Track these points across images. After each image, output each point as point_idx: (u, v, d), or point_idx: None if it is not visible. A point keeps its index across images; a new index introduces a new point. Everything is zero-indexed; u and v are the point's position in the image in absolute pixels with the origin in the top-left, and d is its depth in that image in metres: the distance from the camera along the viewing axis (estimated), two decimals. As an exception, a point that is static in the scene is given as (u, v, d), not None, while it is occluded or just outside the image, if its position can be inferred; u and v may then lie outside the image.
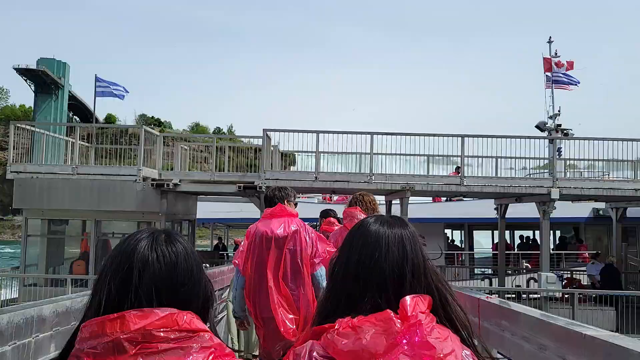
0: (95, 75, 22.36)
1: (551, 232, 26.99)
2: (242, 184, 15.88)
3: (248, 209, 20.27)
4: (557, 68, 26.59)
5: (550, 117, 27.26)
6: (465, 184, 15.99)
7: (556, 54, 27.24)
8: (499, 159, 17.73)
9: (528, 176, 18.46)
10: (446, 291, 1.41)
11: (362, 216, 4.64)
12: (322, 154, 16.95)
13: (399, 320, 1.27)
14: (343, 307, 1.36)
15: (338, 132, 16.35)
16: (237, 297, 4.59)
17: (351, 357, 1.24)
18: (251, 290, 4.43)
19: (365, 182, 16.12)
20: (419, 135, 16.28)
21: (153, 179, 16.13)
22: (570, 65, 26.41)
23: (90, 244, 16.64)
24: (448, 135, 16.22)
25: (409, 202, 16.91)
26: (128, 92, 21.98)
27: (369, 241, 1.41)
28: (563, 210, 19.63)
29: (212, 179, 16.76)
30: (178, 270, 1.32)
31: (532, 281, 20.03)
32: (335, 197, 19.47)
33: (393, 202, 19.74)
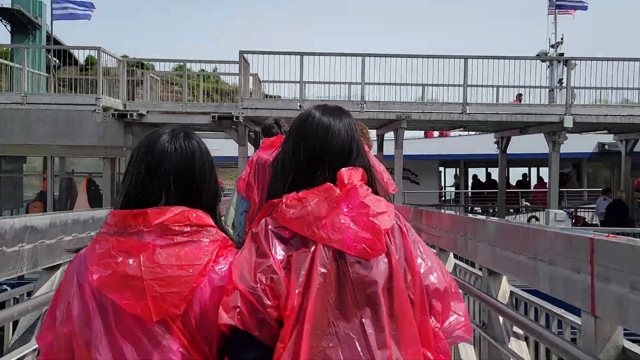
0: (51, -5, 19.71)
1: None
2: (216, 114, 13.78)
3: (229, 146, 18.31)
4: (562, -10, 24.16)
5: (552, 46, 25.06)
6: (467, 111, 14.03)
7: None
8: (500, 89, 15.78)
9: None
10: (375, 172, 1.55)
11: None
12: (307, 84, 14.85)
13: (337, 189, 1.42)
14: (294, 187, 1.46)
15: (325, 54, 14.16)
16: (241, 222, 4.63)
17: (299, 222, 1.39)
18: (253, 216, 4.35)
19: (356, 111, 14.10)
20: (417, 56, 14.15)
21: (115, 110, 13.97)
22: (577, -12, 23.99)
23: (48, 184, 14.64)
24: (450, 57, 14.12)
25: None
26: (94, 9, 19.17)
27: (319, 130, 1.50)
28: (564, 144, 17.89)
29: (184, 110, 14.65)
30: (194, 162, 1.43)
31: (533, 220, 18.47)
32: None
33: (386, 136, 17.83)
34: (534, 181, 23.61)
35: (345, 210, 1.38)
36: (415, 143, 21.78)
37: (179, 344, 1.31)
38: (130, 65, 14.83)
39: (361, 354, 1.30)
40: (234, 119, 13.72)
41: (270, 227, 1.40)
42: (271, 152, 4.24)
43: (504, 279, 3.61)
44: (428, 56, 14.14)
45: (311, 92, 15.26)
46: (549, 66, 23.87)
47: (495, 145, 18.38)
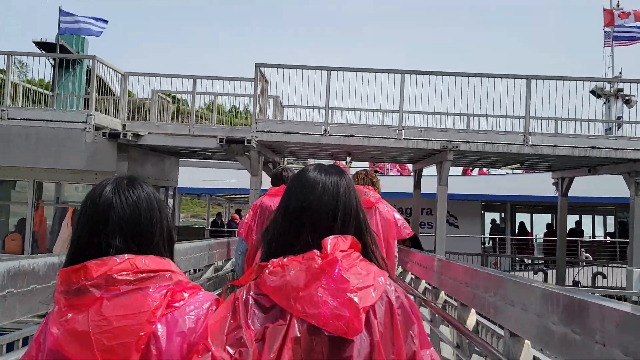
0: (60, 8, 17.88)
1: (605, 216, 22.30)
2: (224, 137, 11.35)
3: (245, 177, 15.90)
4: (620, 19, 21.51)
5: (610, 81, 22.22)
6: (530, 142, 11.28)
7: (618, 4, 22.14)
8: (559, 122, 13.04)
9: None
10: (371, 241, 1.46)
11: (373, 194, 4.50)
12: (333, 105, 12.38)
13: (319, 259, 1.32)
14: (281, 247, 1.40)
15: (355, 70, 11.68)
16: (239, 263, 4.81)
17: (278, 292, 1.31)
18: (250, 257, 4.54)
19: (392, 138, 11.51)
20: (469, 75, 11.55)
21: (111, 129, 11.68)
22: (638, 16, 21.33)
23: (27, 212, 12.30)
24: (510, 77, 11.45)
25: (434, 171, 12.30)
26: (107, 23, 17.28)
27: (306, 186, 1.44)
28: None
29: (191, 132, 12.29)
30: (140, 211, 1.38)
31: (599, 277, 15.37)
32: (348, 162, 14.93)
33: (424, 170, 15.14)
34: (587, 230, 20.50)
35: (324, 283, 1.30)
36: (454, 180, 19.03)
37: None
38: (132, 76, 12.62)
39: None
40: (246, 143, 11.25)
41: (252, 293, 1.34)
42: (275, 199, 4.36)
43: (527, 343, 3.00)
44: (484, 75, 11.51)
45: (339, 115, 12.79)
46: (605, 102, 21.07)
47: (554, 187, 15.49)
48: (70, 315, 1.28)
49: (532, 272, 16.88)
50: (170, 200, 15.73)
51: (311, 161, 23.88)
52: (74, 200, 13.45)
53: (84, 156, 11.74)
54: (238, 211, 22.78)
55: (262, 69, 11.79)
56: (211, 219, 22.52)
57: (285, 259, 1.34)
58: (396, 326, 1.33)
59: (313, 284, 1.29)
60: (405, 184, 18.97)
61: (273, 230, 1.44)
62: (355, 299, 1.27)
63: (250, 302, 1.32)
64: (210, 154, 14.57)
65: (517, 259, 18.26)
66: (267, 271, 1.33)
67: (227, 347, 1.26)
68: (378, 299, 1.32)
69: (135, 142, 11.69)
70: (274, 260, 1.35)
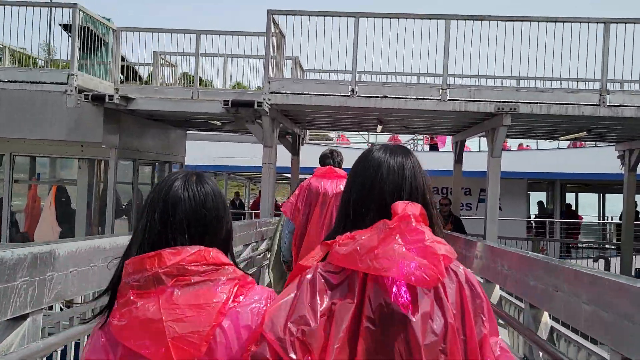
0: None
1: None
2: (229, 101, 9.22)
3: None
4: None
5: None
6: (608, 102, 8.90)
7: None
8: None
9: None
10: (437, 221, 1.42)
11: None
12: (361, 74, 10.16)
13: (390, 222, 1.30)
14: (349, 227, 1.37)
15: (388, 16, 9.39)
16: (286, 242, 4.85)
17: (351, 257, 1.27)
18: (297, 238, 4.63)
19: (435, 99, 9.25)
20: (530, 20, 9.16)
21: (95, 91, 9.65)
22: None
23: (4, 191, 10.43)
24: (582, 20, 9.02)
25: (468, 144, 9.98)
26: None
27: (371, 166, 1.43)
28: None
29: (195, 96, 10.23)
30: (206, 207, 1.39)
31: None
32: (378, 132, 12.57)
33: (468, 141, 12.84)
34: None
35: (398, 239, 1.28)
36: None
37: None
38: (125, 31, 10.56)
39: None
40: (256, 106, 9.11)
41: (319, 270, 1.31)
42: (322, 181, 4.60)
43: (546, 314, 3.18)
44: (546, 19, 9.12)
45: (368, 76, 10.53)
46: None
47: (619, 162, 13.05)
48: (140, 303, 1.27)
49: (590, 259, 14.52)
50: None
51: (332, 134, 21.72)
52: (63, 176, 11.57)
53: (65, 124, 9.78)
54: (237, 194, 20.94)
55: (276, 17, 9.59)
56: (228, 200, 20.62)
57: (352, 233, 1.33)
58: (466, 307, 1.29)
59: (387, 240, 1.27)
60: (440, 160, 16.67)
61: (341, 210, 1.44)
62: (434, 247, 1.25)
63: (318, 279, 1.29)
64: (219, 124, 12.50)
65: (570, 245, 15.87)
66: (336, 245, 1.32)
67: (289, 325, 1.23)
68: (454, 259, 1.30)
69: (125, 107, 9.66)
70: (341, 235, 1.34)
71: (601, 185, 18.24)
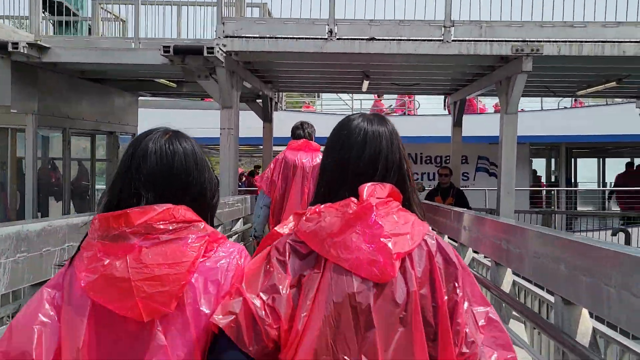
0: None
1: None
2: (170, 47, 7.00)
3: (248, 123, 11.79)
4: None
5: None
6: (657, 39, 6.88)
7: None
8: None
9: None
10: (413, 192, 1.42)
11: None
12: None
13: (355, 205, 1.29)
14: (324, 197, 1.38)
15: None
16: (260, 216, 4.73)
17: (313, 237, 1.29)
18: (275, 212, 4.55)
19: (436, 39, 7.16)
20: None
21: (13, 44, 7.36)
22: None
23: None
24: None
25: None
26: None
27: (347, 136, 1.40)
28: None
29: (136, 46, 8.00)
30: (173, 165, 1.35)
31: None
32: (364, 90, 10.34)
33: (480, 99, 10.79)
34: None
35: (358, 229, 1.28)
36: (490, 120, 14.69)
37: (175, 342, 1.25)
38: None
39: None
40: (206, 54, 6.93)
41: (289, 240, 1.33)
42: (298, 154, 4.61)
43: (509, 271, 3.19)
44: None
45: (351, 9, 8.34)
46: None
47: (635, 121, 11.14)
48: (107, 260, 1.26)
49: (600, 230, 12.73)
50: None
51: (316, 102, 19.54)
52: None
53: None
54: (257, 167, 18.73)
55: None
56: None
57: (322, 206, 1.33)
58: (436, 275, 1.29)
59: (347, 229, 1.27)
60: (434, 125, 14.67)
61: (318, 180, 1.44)
62: (389, 245, 1.26)
63: (287, 248, 1.30)
64: (174, 85, 10.30)
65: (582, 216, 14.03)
66: (304, 218, 1.32)
67: (261, 293, 1.25)
68: (415, 247, 1.29)
69: (39, 58, 7.39)
70: (311, 207, 1.34)
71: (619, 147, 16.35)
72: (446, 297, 1.28)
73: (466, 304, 1.30)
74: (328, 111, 17.14)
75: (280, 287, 1.25)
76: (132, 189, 1.31)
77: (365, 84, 9.53)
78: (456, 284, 1.30)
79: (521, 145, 14.97)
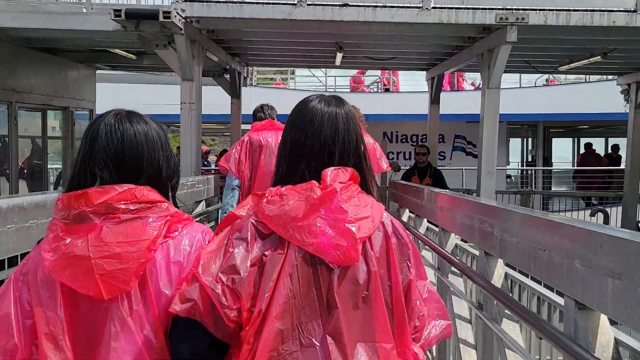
0: None
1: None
2: (122, 11, 6.26)
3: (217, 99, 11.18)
4: None
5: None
6: (649, 8, 6.42)
7: None
8: None
9: None
10: (369, 173, 1.43)
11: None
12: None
13: (319, 190, 1.30)
14: (282, 178, 1.38)
15: None
16: (232, 197, 4.57)
17: (276, 221, 1.28)
18: (244, 192, 4.51)
19: (415, 6, 6.58)
20: None
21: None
22: None
23: None
24: None
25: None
26: None
27: (305, 118, 1.40)
28: None
29: (87, 10, 7.22)
30: (124, 146, 1.35)
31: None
32: (338, 63, 9.68)
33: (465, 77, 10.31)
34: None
35: (322, 213, 1.28)
36: (468, 97, 14.26)
37: (138, 322, 1.27)
38: None
39: None
40: (162, 18, 6.22)
41: (252, 220, 1.31)
42: (263, 133, 4.53)
43: (500, 261, 2.98)
44: None
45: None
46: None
47: (621, 98, 10.82)
48: (68, 240, 1.27)
49: (578, 210, 12.50)
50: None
51: (288, 79, 18.74)
52: None
53: None
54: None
55: None
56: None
57: (283, 189, 1.32)
58: (392, 255, 1.33)
59: (312, 214, 1.27)
60: (410, 103, 14.16)
61: (278, 160, 1.43)
62: (353, 229, 1.27)
63: (249, 227, 1.29)
64: (133, 57, 9.52)
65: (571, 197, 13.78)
66: (265, 200, 1.31)
67: (220, 274, 1.24)
68: (375, 230, 1.32)
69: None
70: (272, 189, 1.33)
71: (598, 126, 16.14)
72: (401, 277, 1.33)
73: (418, 282, 1.38)
74: (301, 88, 16.47)
75: (241, 266, 1.25)
76: (88, 170, 1.33)
77: (339, 56, 8.91)
78: (409, 263, 1.36)
79: (499, 123, 14.71)
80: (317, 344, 1.23)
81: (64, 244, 1.26)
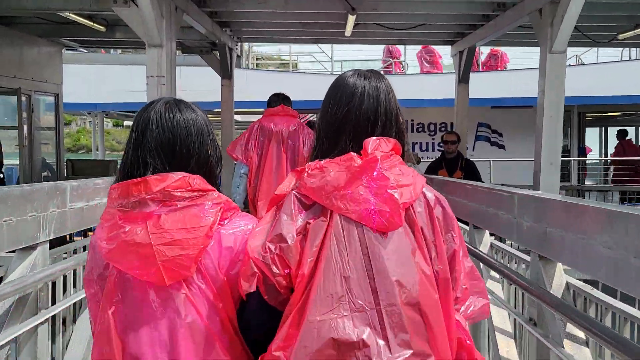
0: None
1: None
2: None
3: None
4: None
5: None
6: None
7: None
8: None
9: None
10: (407, 145, 1.44)
11: None
12: None
13: (359, 159, 1.31)
14: (323, 154, 1.38)
15: None
16: (240, 186, 4.61)
17: (318, 192, 1.29)
18: (253, 178, 4.51)
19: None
20: None
21: None
22: None
23: None
24: None
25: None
26: None
27: (346, 92, 1.41)
28: None
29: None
30: (173, 133, 1.36)
31: None
32: (348, 31, 7.65)
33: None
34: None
35: (364, 181, 1.29)
36: (493, 78, 12.50)
37: (195, 308, 1.28)
38: None
39: (372, 325, 1.21)
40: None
41: (294, 192, 1.32)
42: (274, 119, 4.51)
43: (559, 266, 2.57)
44: None
45: None
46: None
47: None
48: (128, 227, 1.27)
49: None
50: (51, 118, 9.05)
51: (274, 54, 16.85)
52: None
53: None
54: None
55: None
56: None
57: (323, 162, 1.33)
58: (435, 225, 1.34)
59: (354, 182, 1.28)
60: (427, 86, 12.38)
61: (317, 137, 1.42)
62: (396, 195, 1.28)
63: (293, 199, 1.30)
64: (102, 28, 7.79)
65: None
66: (305, 175, 1.32)
67: (268, 244, 1.26)
68: (417, 198, 1.32)
69: None
70: (311, 164, 1.34)
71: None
72: (445, 246, 1.34)
73: (462, 254, 1.37)
74: (305, 70, 14.68)
75: (287, 235, 1.26)
76: (140, 159, 1.33)
77: (350, 23, 7.12)
78: (453, 234, 1.37)
79: (526, 109, 12.92)
80: (367, 308, 1.22)
81: (123, 232, 1.26)
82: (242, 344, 1.31)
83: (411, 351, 1.20)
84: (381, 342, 1.20)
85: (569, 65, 13.62)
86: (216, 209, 1.31)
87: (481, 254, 3.23)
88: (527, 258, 3.21)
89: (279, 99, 4.61)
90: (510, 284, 3.34)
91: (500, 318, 3.29)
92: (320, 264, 1.22)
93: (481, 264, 3.30)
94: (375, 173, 1.27)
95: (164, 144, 1.33)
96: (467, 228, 4.40)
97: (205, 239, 1.27)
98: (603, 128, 17.46)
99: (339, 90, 1.39)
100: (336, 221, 1.25)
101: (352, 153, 1.30)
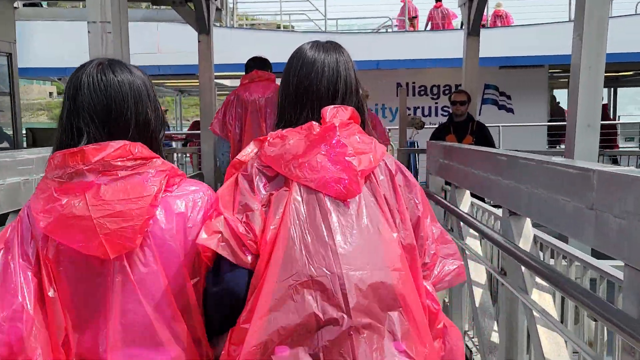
0: None
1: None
2: None
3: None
4: None
5: None
6: None
7: None
8: None
9: None
10: (368, 117, 1.46)
11: None
12: None
13: (318, 127, 1.32)
14: (287, 123, 1.39)
15: None
16: (225, 162, 4.41)
17: (277, 160, 1.31)
18: (234, 153, 4.22)
19: None
20: None
21: None
22: None
23: None
24: None
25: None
26: None
27: (305, 65, 1.42)
28: None
29: None
30: (109, 97, 1.29)
31: None
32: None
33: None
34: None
35: (322, 149, 1.30)
36: (501, 36, 11.32)
37: (142, 278, 1.23)
38: None
39: (333, 290, 1.21)
40: None
41: (255, 165, 1.33)
42: (250, 87, 4.31)
43: (528, 222, 2.76)
44: None
45: None
46: None
47: None
48: (65, 200, 1.20)
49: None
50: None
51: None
52: None
53: None
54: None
55: None
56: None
57: (284, 131, 1.34)
58: (397, 192, 1.34)
59: (312, 150, 1.29)
60: (432, 44, 11.22)
61: (279, 107, 1.43)
62: (354, 162, 1.28)
63: (255, 172, 1.31)
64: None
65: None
66: (267, 143, 1.33)
67: (236, 215, 1.27)
68: (376, 165, 1.33)
69: None
70: (272, 133, 1.35)
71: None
72: (408, 213, 1.35)
73: (428, 220, 1.39)
74: (297, 29, 13.47)
75: (252, 205, 1.26)
76: (73, 126, 1.26)
77: None
78: (416, 200, 1.38)
79: (538, 69, 11.81)
80: (328, 272, 1.22)
81: (59, 205, 1.20)
82: (197, 321, 1.26)
83: (369, 320, 1.20)
84: (342, 307, 1.19)
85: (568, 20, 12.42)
86: (161, 177, 1.25)
87: (461, 212, 3.39)
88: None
89: (254, 64, 4.41)
90: (479, 238, 3.53)
91: (477, 272, 3.48)
92: (280, 232, 1.23)
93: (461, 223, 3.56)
94: (334, 141, 1.29)
95: (97, 109, 1.26)
96: (495, 211, 3.57)
97: (150, 209, 1.21)
98: (612, 89, 16.41)
99: (299, 62, 1.41)
100: (296, 189, 1.27)
101: (313, 122, 1.32)
